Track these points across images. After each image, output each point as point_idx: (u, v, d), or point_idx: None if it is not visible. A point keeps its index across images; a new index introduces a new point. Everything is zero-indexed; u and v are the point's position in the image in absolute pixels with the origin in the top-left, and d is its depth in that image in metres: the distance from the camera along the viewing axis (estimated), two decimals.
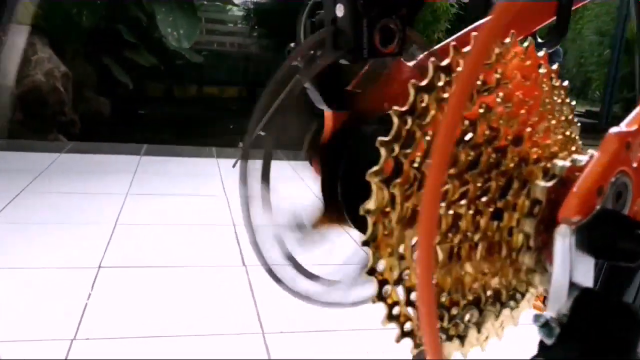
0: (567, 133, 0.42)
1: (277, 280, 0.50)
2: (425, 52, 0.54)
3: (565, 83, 0.44)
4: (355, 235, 0.52)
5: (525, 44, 0.41)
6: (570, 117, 0.43)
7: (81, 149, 3.28)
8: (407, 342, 0.40)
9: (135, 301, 1.59)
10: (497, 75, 0.37)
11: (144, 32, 4.30)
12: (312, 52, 0.47)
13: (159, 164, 3.15)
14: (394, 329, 0.40)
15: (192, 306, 1.59)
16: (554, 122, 0.40)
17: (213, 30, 5.55)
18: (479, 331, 0.43)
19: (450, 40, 0.58)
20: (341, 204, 0.48)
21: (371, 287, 0.55)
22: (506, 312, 0.43)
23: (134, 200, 2.45)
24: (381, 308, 0.54)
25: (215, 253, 1.98)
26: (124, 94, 4.10)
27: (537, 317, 0.35)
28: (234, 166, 0.57)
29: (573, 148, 0.42)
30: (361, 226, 0.51)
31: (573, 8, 0.61)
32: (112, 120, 4.01)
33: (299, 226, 0.50)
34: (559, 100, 0.42)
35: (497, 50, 0.38)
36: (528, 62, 0.40)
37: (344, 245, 0.55)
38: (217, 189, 2.74)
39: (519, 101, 0.38)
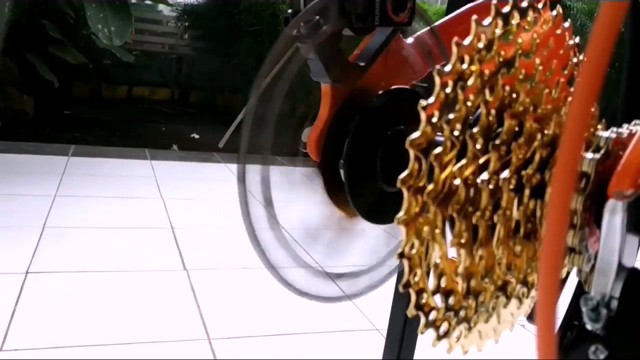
0: (594, 105, 0.40)
1: (308, 295, 0.45)
2: (425, 29, 0.51)
3: (582, 57, 0.42)
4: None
5: (554, 12, 0.38)
6: None
7: (3, 148, 3.07)
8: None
9: (68, 309, 1.48)
10: (536, 41, 0.34)
11: (71, 29, 4.11)
12: (315, 19, 0.42)
13: (88, 165, 2.99)
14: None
15: (131, 312, 1.49)
16: None
17: (144, 30, 5.38)
18: (499, 321, 0.40)
19: (450, 17, 0.56)
20: (346, 190, 0.44)
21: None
22: (528, 300, 0.40)
23: (63, 203, 2.31)
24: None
25: (154, 257, 1.88)
26: (50, 93, 3.89)
27: (586, 300, 0.32)
28: (221, 145, 0.51)
29: (601, 122, 0.40)
30: (369, 215, 0.47)
31: None
32: (37, 119, 3.80)
33: (313, 237, 0.45)
34: None
35: (532, 15, 0.35)
36: (558, 31, 0.37)
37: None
38: (153, 191, 2.63)
39: (556, 69, 0.35)
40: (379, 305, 1.37)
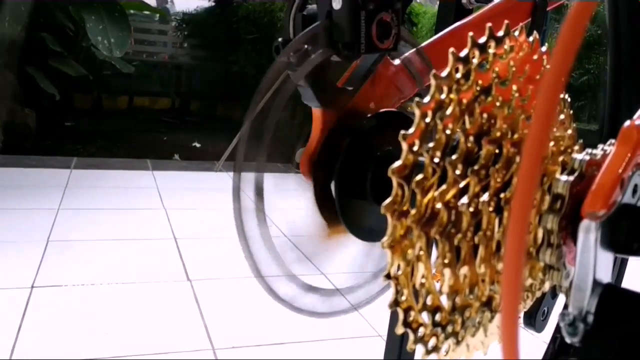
0: (572, 128, 0.41)
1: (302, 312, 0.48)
2: (412, 50, 0.53)
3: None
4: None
5: (531, 38, 0.40)
6: (570, 112, 0.43)
7: (6, 162, 3.10)
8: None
9: (74, 322, 1.50)
10: (512, 68, 0.36)
11: (71, 41, 4.14)
12: (304, 47, 0.44)
13: (91, 178, 3.01)
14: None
15: (136, 325, 1.51)
16: (562, 116, 0.40)
17: (144, 40, 5.41)
18: (486, 334, 0.42)
19: (436, 38, 0.57)
20: (337, 209, 0.46)
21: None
22: None
23: (67, 216, 2.33)
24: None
25: (157, 268, 1.90)
26: (51, 105, 3.92)
27: (563, 316, 0.34)
28: (216, 170, 0.53)
29: (578, 143, 0.41)
30: (360, 232, 0.49)
31: (548, 9, 0.62)
32: (39, 132, 3.82)
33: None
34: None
35: (508, 42, 0.37)
36: (535, 57, 0.39)
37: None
38: (155, 202, 2.65)
39: (532, 94, 0.37)
40: (381, 312, 1.39)
